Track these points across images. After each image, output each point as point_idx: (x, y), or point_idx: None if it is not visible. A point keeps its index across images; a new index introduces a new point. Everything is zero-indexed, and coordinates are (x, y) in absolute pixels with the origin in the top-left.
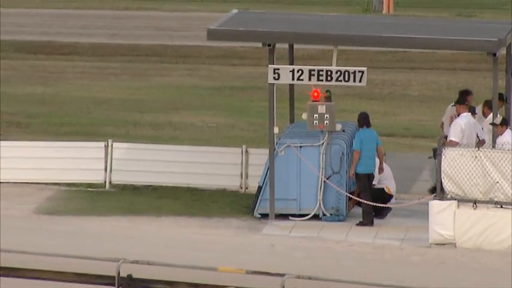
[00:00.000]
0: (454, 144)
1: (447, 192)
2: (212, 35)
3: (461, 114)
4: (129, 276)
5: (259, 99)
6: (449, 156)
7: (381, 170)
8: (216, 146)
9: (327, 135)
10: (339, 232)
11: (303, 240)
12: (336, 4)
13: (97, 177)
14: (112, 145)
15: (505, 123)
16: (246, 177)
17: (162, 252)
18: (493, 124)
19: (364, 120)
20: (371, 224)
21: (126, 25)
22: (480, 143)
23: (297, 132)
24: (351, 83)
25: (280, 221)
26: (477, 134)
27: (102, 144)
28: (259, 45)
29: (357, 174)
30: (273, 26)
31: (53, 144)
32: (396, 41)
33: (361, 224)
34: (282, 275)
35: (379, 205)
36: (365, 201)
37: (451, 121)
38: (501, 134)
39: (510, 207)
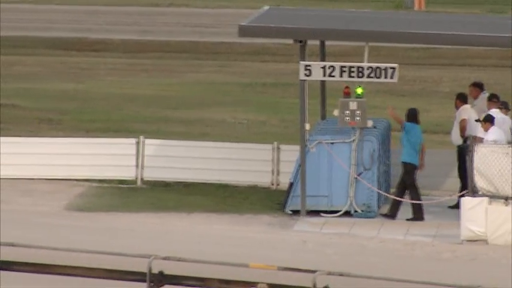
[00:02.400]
0: (480, 140)
1: (479, 188)
2: (243, 31)
3: (490, 110)
4: (161, 273)
5: (290, 96)
6: (481, 153)
7: (421, 166)
8: (247, 143)
9: (358, 132)
10: (370, 229)
11: (334, 237)
12: (368, 0)
13: (128, 173)
14: (143, 142)
15: (489, 119)
16: (278, 173)
17: (193, 248)
18: (478, 121)
19: (414, 116)
20: (422, 218)
21: (157, 21)
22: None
23: (328, 129)
24: (382, 79)
25: (312, 218)
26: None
27: (134, 140)
28: (291, 41)
29: (404, 164)
30: (304, 23)
31: (84, 140)
32: (428, 37)
33: (412, 219)
34: (313, 272)
35: (403, 200)
36: (414, 197)
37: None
38: (486, 131)
39: None
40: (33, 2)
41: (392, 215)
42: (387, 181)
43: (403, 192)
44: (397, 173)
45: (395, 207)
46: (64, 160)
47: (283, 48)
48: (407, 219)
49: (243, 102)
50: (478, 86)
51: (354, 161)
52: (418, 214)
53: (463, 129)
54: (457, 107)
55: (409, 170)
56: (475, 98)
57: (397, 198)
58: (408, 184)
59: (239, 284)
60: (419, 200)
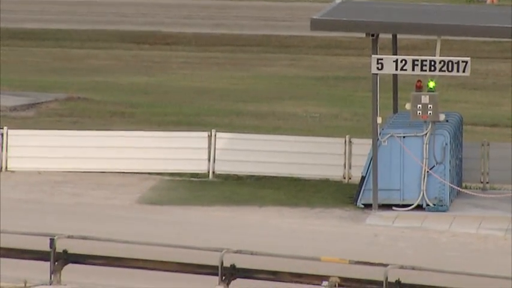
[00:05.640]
0: None
1: None
2: (315, 25)
3: None
4: (232, 266)
5: (362, 90)
6: None
7: None
8: (319, 136)
9: (430, 126)
10: (442, 222)
11: (406, 231)
12: None
13: (200, 167)
14: (215, 135)
15: None
16: (349, 167)
17: (265, 242)
18: None
19: None
20: None
21: (230, 15)
22: None
23: (400, 123)
24: (454, 73)
25: (384, 211)
26: None
27: (206, 134)
28: (363, 35)
29: None
30: (376, 16)
31: (156, 134)
32: (500, 31)
33: None
34: (385, 265)
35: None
36: None
37: None
38: None
39: None
40: None
41: None
42: (459, 175)
43: None
44: (470, 166)
45: None
46: (136, 153)
47: (355, 42)
48: None
49: (315, 95)
50: None
51: (426, 154)
52: None
53: None
54: None
55: None
56: None
57: None
58: None
59: (311, 277)
60: None
